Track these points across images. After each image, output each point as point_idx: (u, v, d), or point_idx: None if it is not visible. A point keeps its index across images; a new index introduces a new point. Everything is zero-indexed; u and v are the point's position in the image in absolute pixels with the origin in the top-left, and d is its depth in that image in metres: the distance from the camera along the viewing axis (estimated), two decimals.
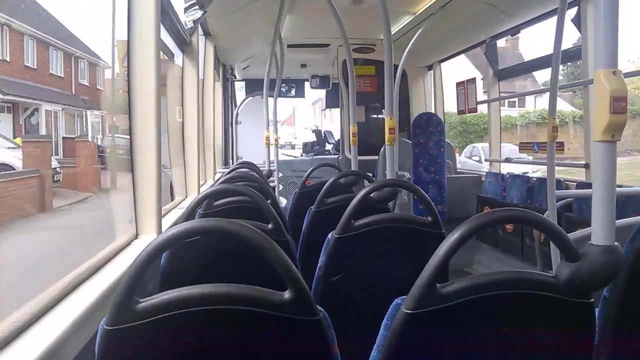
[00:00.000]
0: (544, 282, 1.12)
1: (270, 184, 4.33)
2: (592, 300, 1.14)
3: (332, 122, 19.68)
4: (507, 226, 4.55)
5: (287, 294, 1.02)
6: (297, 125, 32.12)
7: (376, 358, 1.10)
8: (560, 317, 1.13)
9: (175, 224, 2.59)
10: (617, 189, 1.34)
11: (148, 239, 2.06)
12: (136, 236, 2.08)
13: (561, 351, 1.14)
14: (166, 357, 1.02)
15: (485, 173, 5.45)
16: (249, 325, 1.02)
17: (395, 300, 1.11)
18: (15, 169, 2.88)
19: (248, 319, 1.01)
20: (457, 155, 9.58)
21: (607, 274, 1.17)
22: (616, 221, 1.29)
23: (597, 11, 1.25)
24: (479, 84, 5.64)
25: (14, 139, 3.21)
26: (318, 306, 1.06)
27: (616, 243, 1.25)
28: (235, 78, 8.13)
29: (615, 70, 1.23)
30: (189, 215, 2.11)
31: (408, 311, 1.06)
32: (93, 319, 1.31)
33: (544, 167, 4.05)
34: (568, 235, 1.15)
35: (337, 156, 7.10)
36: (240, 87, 8.76)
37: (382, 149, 5.55)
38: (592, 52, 3.71)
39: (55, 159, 3.22)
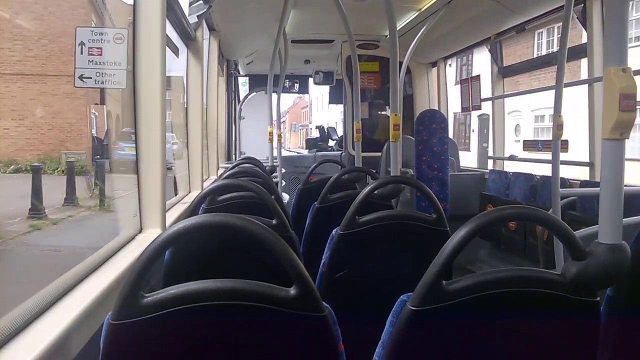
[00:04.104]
0: (551, 280, 1.11)
1: (273, 180, 4.32)
2: (598, 299, 1.14)
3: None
4: (510, 224, 4.54)
5: (292, 290, 1.02)
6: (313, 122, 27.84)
7: (381, 355, 1.10)
8: (566, 316, 1.13)
9: (179, 218, 2.59)
10: (624, 187, 1.33)
11: (152, 233, 2.06)
12: (140, 230, 2.08)
13: (566, 349, 1.14)
14: (171, 351, 1.02)
15: (488, 171, 5.44)
16: (254, 321, 1.02)
17: (401, 297, 1.11)
18: None
19: (254, 315, 1.01)
20: None
21: (613, 272, 1.17)
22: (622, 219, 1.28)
23: (607, 8, 1.24)
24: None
25: None
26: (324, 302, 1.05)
27: (622, 242, 1.24)
28: (239, 73, 8.11)
29: (625, 67, 1.23)
30: (194, 210, 2.11)
31: (414, 308, 1.06)
32: (97, 313, 1.31)
33: None
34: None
35: (340, 152, 7.09)
36: (243, 83, 8.74)
37: (385, 146, 5.53)
38: (597, 50, 3.69)
39: None
